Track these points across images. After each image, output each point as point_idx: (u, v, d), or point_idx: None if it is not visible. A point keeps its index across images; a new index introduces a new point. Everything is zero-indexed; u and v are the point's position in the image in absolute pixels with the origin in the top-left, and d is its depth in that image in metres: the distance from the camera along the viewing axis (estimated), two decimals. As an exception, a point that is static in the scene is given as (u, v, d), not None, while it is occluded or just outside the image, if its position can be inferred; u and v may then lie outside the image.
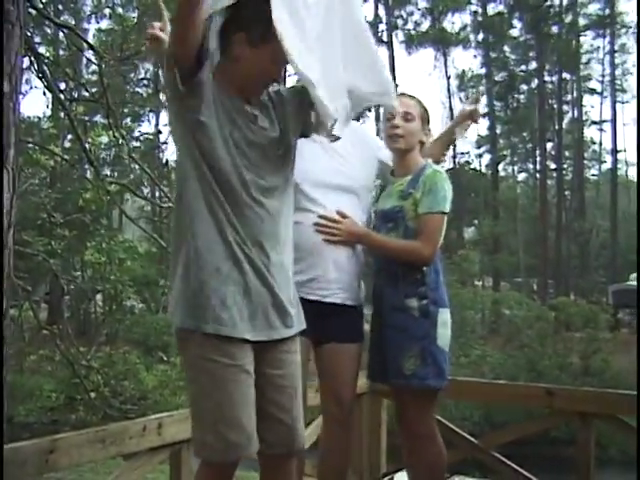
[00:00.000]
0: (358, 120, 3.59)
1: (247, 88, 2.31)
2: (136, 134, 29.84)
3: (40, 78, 5.96)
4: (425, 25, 36.04)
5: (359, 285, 3.06)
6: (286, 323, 2.36)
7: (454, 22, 36.05)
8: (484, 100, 36.29)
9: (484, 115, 36.21)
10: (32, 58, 5.77)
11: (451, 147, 3.55)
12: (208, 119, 2.21)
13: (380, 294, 2.98)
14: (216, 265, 2.22)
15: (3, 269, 2.91)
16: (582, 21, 35.13)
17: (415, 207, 2.88)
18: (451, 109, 35.94)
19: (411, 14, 35.44)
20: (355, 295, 3.04)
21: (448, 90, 36.83)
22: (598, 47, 36.61)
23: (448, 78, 36.92)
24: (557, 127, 35.43)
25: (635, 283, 26.62)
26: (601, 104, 37.94)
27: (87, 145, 7.01)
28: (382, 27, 34.76)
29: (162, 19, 2.53)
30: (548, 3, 33.50)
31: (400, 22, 35.78)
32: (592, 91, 37.54)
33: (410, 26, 35.81)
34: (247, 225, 2.25)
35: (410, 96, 3.05)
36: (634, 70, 37.98)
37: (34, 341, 10.33)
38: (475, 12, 35.51)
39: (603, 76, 37.32)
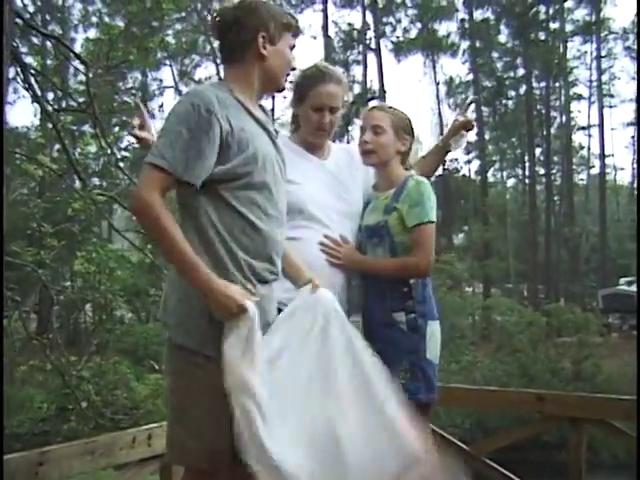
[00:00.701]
0: (347, 130, 3.60)
1: (273, 84, 2.44)
2: (125, 143, 29.77)
3: (26, 89, 5.95)
4: (413, 32, 36.16)
5: (347, 300, 3.06)
6: None
7: (442, 29, 36.17)
8: (472, 107, 36.45)
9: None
10: (18, 68, 5.75)
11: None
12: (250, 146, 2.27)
13: (368, 309, 2.96)
14: None
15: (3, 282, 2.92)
16: (568, 27, 35.35)
17: (400, 221, 2.85)
18: (440, 115, 36.09)
19: (399, 21, 35.55)
20: (345, 310, 3.03)
21: (437, 97, 37.01)
22: (585, 52, 36.90)
23: (437, 84, 37.09)
24: (545, 133, 35.63)
25: (625, 287, 26.77)
26: (589, 109, 38.19)
27: (75, 155, 7.00)
28: (370, 34, 34.93)
29: (141, 116, 2.75)
30: (534, 10, 33.69)
31: (389, 29, 35.88)
32: (579, 96, 37.75)
33: (399, 33, 35.92)
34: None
35: (380, 108, 3.01)
36: (621, 75, 38.30)
37: (24, 351, 10.28)
38: (462, 19, 35.67)
39: (590, 81, 37.58)
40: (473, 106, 34.56)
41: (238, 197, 2.25)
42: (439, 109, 36.61)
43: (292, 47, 2.45)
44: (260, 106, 2.47)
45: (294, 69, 2.50)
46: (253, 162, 2.26)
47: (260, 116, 2.37)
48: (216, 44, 2.53)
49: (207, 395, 2.20)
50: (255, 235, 2.29)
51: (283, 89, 2.51)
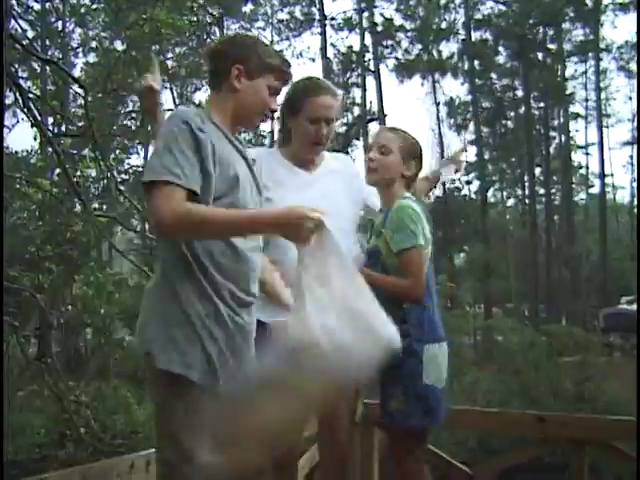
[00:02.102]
0: (347, 152, 3.58)
1: (244, 119, 2.43)
2: (125, 166, 29.85)
3: (26, 113, 5.96)
4: (414, 53, 36.31)
5: None
6: None
7: (442, 50, 36.36)
8: (472, 127, 36.60)
9: (472, 142, 36.48)
10: (17, 94, 5.77)
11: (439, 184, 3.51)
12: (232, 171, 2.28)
13: None
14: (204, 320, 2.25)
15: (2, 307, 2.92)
16: (566, 47, 35.56)
17: (387, 245, 2.85)
18: (440, 136, 36.23)
19: (399, 43, 35.73)
20: None
21: (437, 117, 37.15)
22: (583, 72, 37.10)
23: (437, 105, 37.24)
24: (545, 152, 35.73)
25: (626, 306, 26.71)
26: (586, 129, 38.35)
27: (76, 178, 6.99)
28: (369, 56, 35.11)
29: (154, 73, 2.77)
30: (533, 31, 33.91)
31: (389, 51, 36.04)
32: (577, 116, 37.93)
33: (399, 55, 36.09)
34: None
35: (392, 129, 3.01)
36: (617, 95, 38.52)
37: (23, 377, 10.22)
38: (463, 40, 35.86)
39: (587, 100, 37.75)
40: (472, 125, 34.74)
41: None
42: (439, 130, 36.78)
43: (274, 91, 2.42)
44: (236, 137, 2.47)
45: (273, 111, 2.47)
46: (235, 184, 2.25)
47: (237, 143, 2.38)
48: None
49: (195, 418, 2.17)
50: (235, 257, 2.27)
51: (255, 127, 2.57)
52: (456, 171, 3.27)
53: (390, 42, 35.56)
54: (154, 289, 2.33)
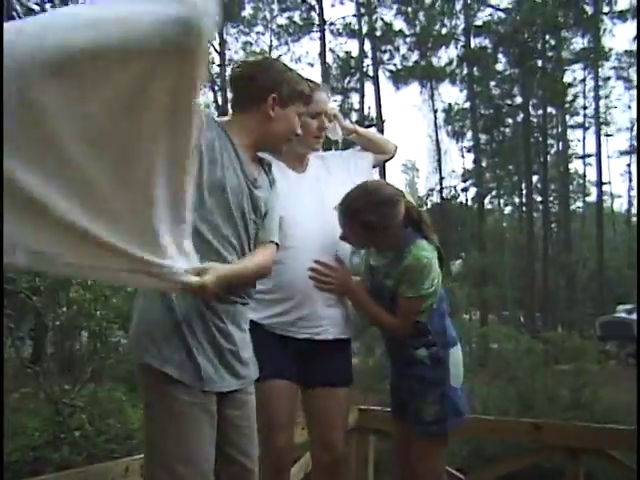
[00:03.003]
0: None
1: (271, 144, 2.51)
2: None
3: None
4: (412, 60, 36.32)
5: (349, 316, 3.03)
6: (248, 370, 2.42)
7: (440, 56, 36.38)
8: (469, 134, 36.64)
9: (469, 149, 36.53)
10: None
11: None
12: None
13: (391, 346, 3.04)
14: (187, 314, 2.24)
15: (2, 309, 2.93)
16: (566, 56, 35.62)
17: (394, 283, 2.88)
18: (438, 142, 36.26)
19: (398, 49, 35.74)
20: (346, 328, 3.01)
21: (435, 124, 37.17)
22: (582, 81, 37.16)
23: (435, 112, 37.28)
24: (542, 160, 35.76)
25: (623, 315, 26.73)
26: (584, 138, 38.43)
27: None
28: (368, 62, 35.14)
29: None
30: (532, 38, 33.97)
31: (387, 57, 36.05)
32: (576, 124, 38.03)
33: (397, 61, 36.11)
34: None
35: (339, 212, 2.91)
36: (618, 103, 38.64)
37: (17, 379, 10.19)
38: (463, 46, 35.89)
39: (585, 107, 37.84)
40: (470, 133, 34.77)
41: (203, 222, 2.25)
42: (437, 136, 36.80)
43: (300, 115, 2.50)
44: (267, 164, 2.55)
45: (298, 135, 2.53)
46: (220, 185, 2.27)
47: (244, 161, 2.39)
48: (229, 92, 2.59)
49: (174, 422, 2.17)
50: (212, 256, 2.26)
51: (279, 152, 2.65)
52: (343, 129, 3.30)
53: (389, 47, 35.56)
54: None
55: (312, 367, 2.87)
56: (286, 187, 2.83)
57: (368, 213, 2.78)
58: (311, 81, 3.04)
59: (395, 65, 35.77)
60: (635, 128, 39.20)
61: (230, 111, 2.52)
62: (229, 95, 2.54)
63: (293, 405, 2.93)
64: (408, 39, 35.36)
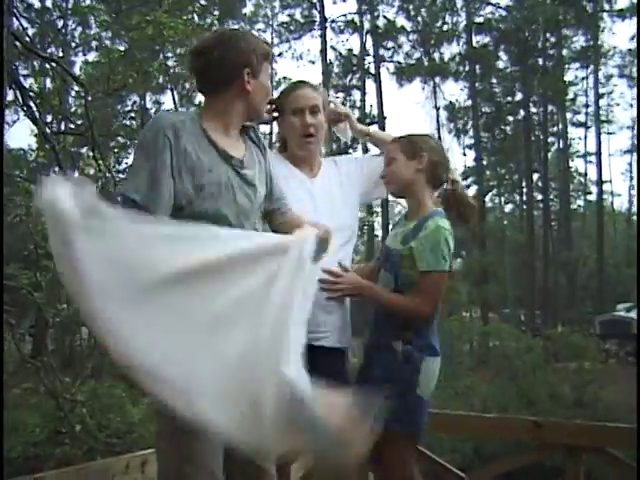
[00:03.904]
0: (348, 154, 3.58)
1: (254, 114, 2.46)
2: (123, 166, 29.82)
3: (25, 111, 5.96)
4: (415, 57, 36.29)
5: (347, 326, 3.01)
6: None
7: (443, 53, 36.35)
8: (472, 132, 36.63)
9: (470, 147, 36.52)
10: (17, 91, 5.76)
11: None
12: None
13: (372, 332, 2.94)
14: None
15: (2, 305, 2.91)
16: (567, 54, 35.61)
17: (411, 258, 2.82)
18: (440, 140, 36.20)
19: (401, 46, 35.73)
20: (345, 337, 2.98)
21: (437, 122, 37.15)
22: (583, 78, 37.16)
23: (437, 110, 37.24)
24: (543, 158, 35.75)
25: (623, 313, 26.75)
26: (585, 136, 38.44)
27: (76, 176, 6.97)
28: (369, 59, 35.15)
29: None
30: (533, 36, 33.96)
31: (390, 54, 36.03)
32: (577, 123, 38.00)
33: (400, 58, 36.08)
34: None
35: (392, 140, 3.01)
36: (620, 101, 38.59)
37: (18, 374, 10.20)
38: (464, 44, 35.87)
39: (587, 105, 37.82)
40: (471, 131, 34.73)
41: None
42: (439, 134, 36.78)
43: (270, 75, 2.49)
44: (252, 137, 2.51)
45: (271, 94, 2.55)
46: (207, 191, 2.25)
47: (228, 147, 2.36)
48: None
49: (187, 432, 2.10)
50: None
51: (263, 119, 2.61)
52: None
53: (391, 44, 35.55)
54: None
55: (310, 375, 2.82)
56: (293, 187, 2.83)
57: (435, 154, 2.93)
58: (299, 80, 3.05)
59: (399, 62, 35.75)
60: (637, 126, 39.24)
61: (201, 97, 2.48)
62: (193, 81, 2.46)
63: None
64: (410, 36, 35.36)
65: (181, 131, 2.23)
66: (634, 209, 43.50)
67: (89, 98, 6.63)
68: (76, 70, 21.83)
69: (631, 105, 38.69)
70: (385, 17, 34.98)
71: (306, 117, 2.91)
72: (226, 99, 2.37)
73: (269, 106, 2.88)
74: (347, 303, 3.01)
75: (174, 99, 31.24)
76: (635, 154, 38.25)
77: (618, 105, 39.06)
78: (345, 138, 3.22)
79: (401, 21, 35.28)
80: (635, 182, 37.19)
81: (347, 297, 2.92)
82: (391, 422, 2.72)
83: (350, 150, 25.12)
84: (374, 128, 3.34)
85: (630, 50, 36.64)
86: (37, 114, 6.34)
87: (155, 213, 2.12)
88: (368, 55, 35.14)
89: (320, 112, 2.96)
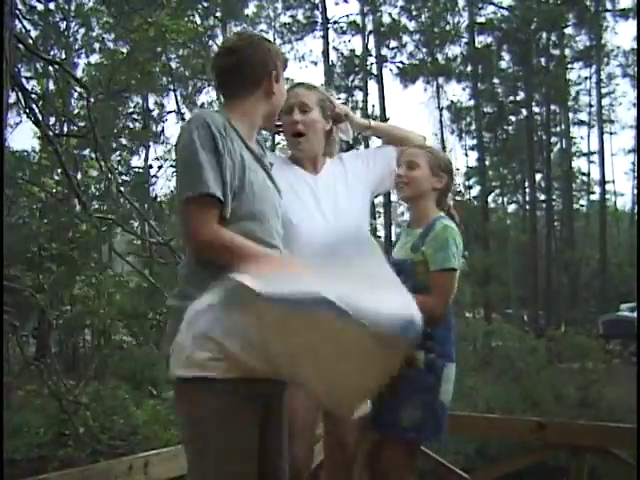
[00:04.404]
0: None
1: (271, 119, 2.53)
2: (126, 168, 29.84)
3: (27, 114, 5.97)
4: (418, 57, 36.20)
5: None
6: None
7: (447, 54, 36.28)
8: (474, 132, 36.61)
9: (473, 147, 36.50)
10: (19, 93, 5.78)
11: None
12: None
13: None
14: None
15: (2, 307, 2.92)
16: (569, 53, 35.57)
17: (424, 263, 2.85)
18: (443, 141, 36.21)
19: (404, 46, 35.65)
20: None
21: (440, 122, 37.13)
22: (586, 78, 37.12)
23: (440, 110, 37.20)
24: (546, 158, 35.70)
25: (627, 313, 26.68)
26: (588, 135, 38.37)
27: (79, 178, 7.01)
28: (372, 60, 35.11)
29: None
30: (536, 36, 33.92)
31: (392, 54, 35.94)
32: (580, 122, 37.96)
33: (404, 58, 36.02)
34: None
35: (418, 146, 3.05)
36: (623, 100, 38.58)
37: (22, 376, 10.23)
38: (467, 44, 35.81)
39: (590, 105, 37.78)
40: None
41: (231, 228, 2.21)
42: (442, 134, 36.77)
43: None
44: (257, 141, 2.49)
45: None
46: (249, 190, 2.25)
47: (255, 148, 2.39)
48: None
49: (223, 424, 2.12)
50: None
51: (273, 126, 2.66)
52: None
53: (394, 44, 35.49)
54: (176, 302, 2.28)
55: None
56: (298, 189, 2.84)
57: (451, 181, 3.04)
58: (300, 83, 3.06)
59: (402, 62, 35.68)
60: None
61: (223, 99, 2.48)
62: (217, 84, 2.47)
63: (313, 414, 2.88)
64: (413, 36, 35.31)
65: (227, 129, 2.25)
66: (637, 207, 43.50)
67: (91, 100, 6.64)
68: (79, 72, 21.87)
69: (634, 104, 38.68)
70: (390, 15, 34.95)
71: (294, 114, 2.91)
72: (252, 100, 2.41)
73: None
74: None
75: (177, 101, 31.25)
76: (636, 154, 38.20)
77: (621, 104, 39.11)
78: (347, 138, 3.21)
79: (404, 21, 35.25)
80: (636, 180, 37.09)
81: None
82: (418, 432, 2.77)
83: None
84: (375, 121, 3.33)
85: (633, 49, 36.63)
86: (40, 116, 6.35)
87: (227, 207, 2.17)
88: (370, 56, 35.10)
89: (311, 110, 2.94)
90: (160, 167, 24.59)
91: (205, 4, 28.88)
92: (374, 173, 3.11)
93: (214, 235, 2.14)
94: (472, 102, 36.55)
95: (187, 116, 27.96)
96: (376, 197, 3.42)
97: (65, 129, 11.77)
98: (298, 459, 2.76)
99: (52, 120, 10.52)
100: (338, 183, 3.01)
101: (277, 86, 2.44)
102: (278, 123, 2.92)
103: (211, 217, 2.15)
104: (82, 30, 26.11)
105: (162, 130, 30.88)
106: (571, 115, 37.50)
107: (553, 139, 37.06)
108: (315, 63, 36.25)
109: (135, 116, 28.89)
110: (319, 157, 3.03)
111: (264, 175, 2.37)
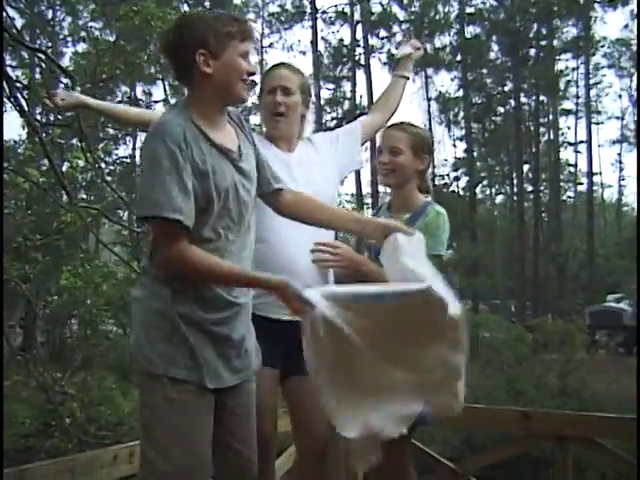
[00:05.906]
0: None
1: (230, 97, 2.30)
2: (113, 157, 29.70)
3: (12, 103, 5.93)
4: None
5: None
6: (250, 361, 2.41)
7: (435, 44, 36.23)
8: (462, 123, 36.65)
9: (461, 138, 36.55)
10: (5, 83, 5.73)
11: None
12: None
13: None
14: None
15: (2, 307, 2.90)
16: (558, 43, 35.61)
17: None
18: (431, 131, 36.22)
19: (394, 35, 35.55)
20: None
21: (428, 112, 37.08)
22: (573, 69, 37.18)
23: (429, 100, 37.17)
24: (534, 149, 35.80)
25: (613, 304, 26.85)
26: (576, 126, 38.44)
27: (64, 168, 6.95)
28: (360, 50, 35.05)
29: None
30: (525, 27, 33.95)
31: (381, 44, 35.87)
32: (567, 112, 38.04)
33: (393, 48, 35.90)
34: None
35: (398, 127, 3.01)
36: (610, 91, 38.69)
37: (8, 367, 10.20)
38: (456, 34, 35.76)
39: (577, 97, 37.87)
40: (463, 122, 34.70)
41: (204, 231, 2.22)
42: (430, 125, 36.76)
43: (245, 53, 2.27)
44: (230, 119, 2.40)
45: (253, 74, 2.33)
46: (216, 197, 2.21)
47: (221, 141, 2.28)
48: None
49: (174, 413, 2.16)
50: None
51: (244, 99, 2.34)
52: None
53: (384, 33, 35.40)
54: (137, 292, 2.32)
55: (290, 354, 2.73)
56: (273, 162, 2.84)
57: (432, 159, 3.10)
58: (279, 62, 3.09)
59: (389, 51, 35.54)
60: (626, 117, 39.38)
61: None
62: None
63: (275, 392, 2.92)
64: (403, 26, 35.24)
65: (186, 137, 2.15)
66: (624, 200, 43.75)
67: (78, 89, 6.58)
68: (66, 61, 21.71)
69: (620, 96, 38.83)
70: (381, 4, 34.86)
71: (277, 96, 2.94)
72: (196, 88, 2.27)
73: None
74: (331, 279, 2.98)
75: (165, 89, 31.13)
76: (625, 145, 38.40)
77: (607, 95, 39.20)
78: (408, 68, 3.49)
79: (395, 10, 35.19)
80: (635, 174, 37.24)
81: (340, 269, 2.86)
82: (423, 416, 2.77)
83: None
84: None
85: (618, 39, 36.74)
86: (25, 106, 6.30)
87: (191, 227, 2.14)
88: (359, 46, 35.05)
89: (294, 94, 2.97)
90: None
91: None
92: (342, 154, 3.17)
93: (179, 255, 2.13)
94: (461, 92, 36.58)
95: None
96: (346, 178, 3.50)
97: (52, 119, 11.69)
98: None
99: (38, 110, 10.44)
100: (311, 161, 3.05)
101: (217, 63, 2.20)
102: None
103: (177, 237, 2.12)
104: (69, 19, 25.96)
105: (150, 120, 30.68)
106: (559, 107, 37.60)
107: (541, 129, 37.15)
108: (304, 53, 36.20)
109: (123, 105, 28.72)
110: (294, 138, 3.07)
111: (232, 172, 2.28)
